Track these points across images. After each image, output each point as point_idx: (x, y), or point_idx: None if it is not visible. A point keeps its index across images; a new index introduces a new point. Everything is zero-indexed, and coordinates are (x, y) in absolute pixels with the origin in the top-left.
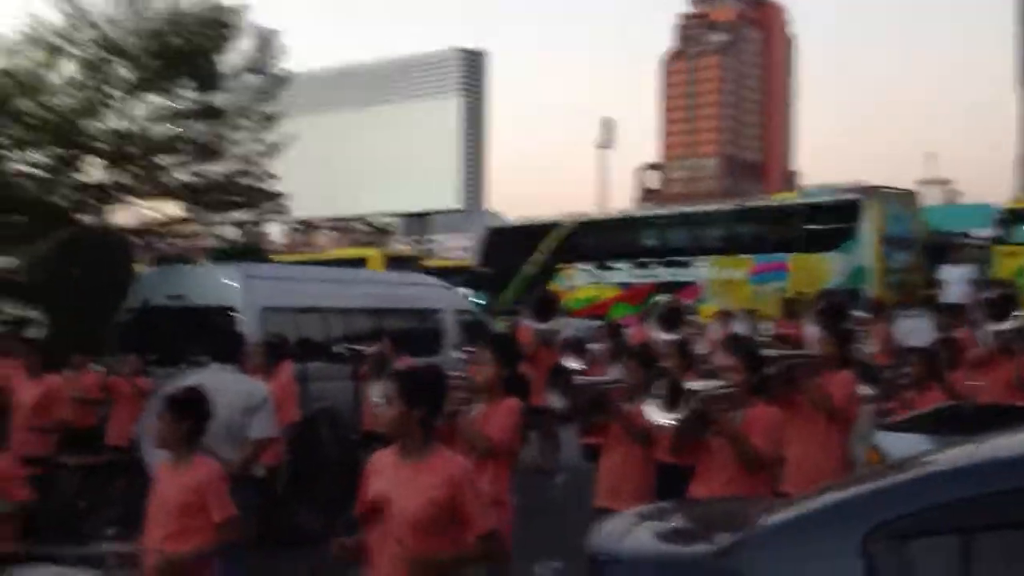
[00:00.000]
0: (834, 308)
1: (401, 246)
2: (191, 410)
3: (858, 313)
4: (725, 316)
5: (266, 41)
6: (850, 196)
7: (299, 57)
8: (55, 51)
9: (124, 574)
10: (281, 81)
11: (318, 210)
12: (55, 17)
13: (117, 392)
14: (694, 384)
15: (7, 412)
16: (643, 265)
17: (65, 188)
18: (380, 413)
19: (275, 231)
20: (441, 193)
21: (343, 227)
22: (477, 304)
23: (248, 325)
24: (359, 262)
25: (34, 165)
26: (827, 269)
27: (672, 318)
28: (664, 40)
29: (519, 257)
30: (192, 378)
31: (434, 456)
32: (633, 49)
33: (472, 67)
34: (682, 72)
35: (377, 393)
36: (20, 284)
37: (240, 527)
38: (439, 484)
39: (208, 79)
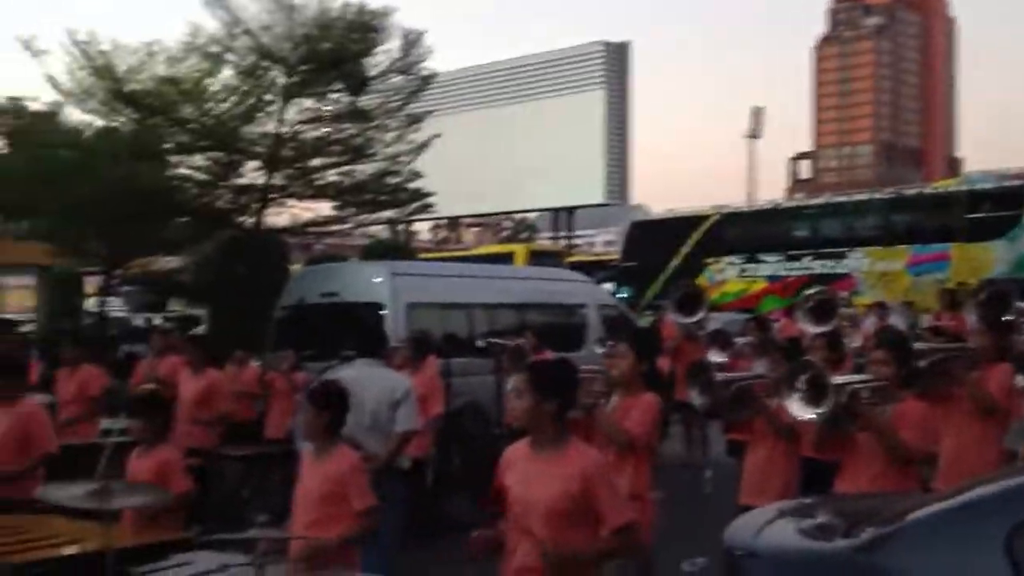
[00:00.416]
0: (995, 298)
1: (545, 242)
2: (331, 403)
3: (1022, 304)
4: (881, 308)
5: (412, 42)
6: (1016, 183)
7: (443, 56)
8: (214, 59)
9: (273, 559)
10: (427, 81)
11: (463, 207)
12: (213, 26)
13: (274, 387)
14: (839, 378)
15: (172, 405)
16: (794, 257)
17: (225, 191)
18: (512, 404)
19: (422, 229)
20: (586, 188)
21: (488, 224)
22: (621, 299)
23: (394, 321)
24: (504, 258)
25: (196, 169)
26: (991, 258)
27: (823, 310)
28: (816, 25)
29: (664, 251)
30: (339, 372)
31: (567, 449)
32: (783, 35)
33: (616, 60)
34: (834, 57)
35: (513, 385)
36: (186, 284)
37: (380, 517)
38: (572, 476)
39: (357, 82)
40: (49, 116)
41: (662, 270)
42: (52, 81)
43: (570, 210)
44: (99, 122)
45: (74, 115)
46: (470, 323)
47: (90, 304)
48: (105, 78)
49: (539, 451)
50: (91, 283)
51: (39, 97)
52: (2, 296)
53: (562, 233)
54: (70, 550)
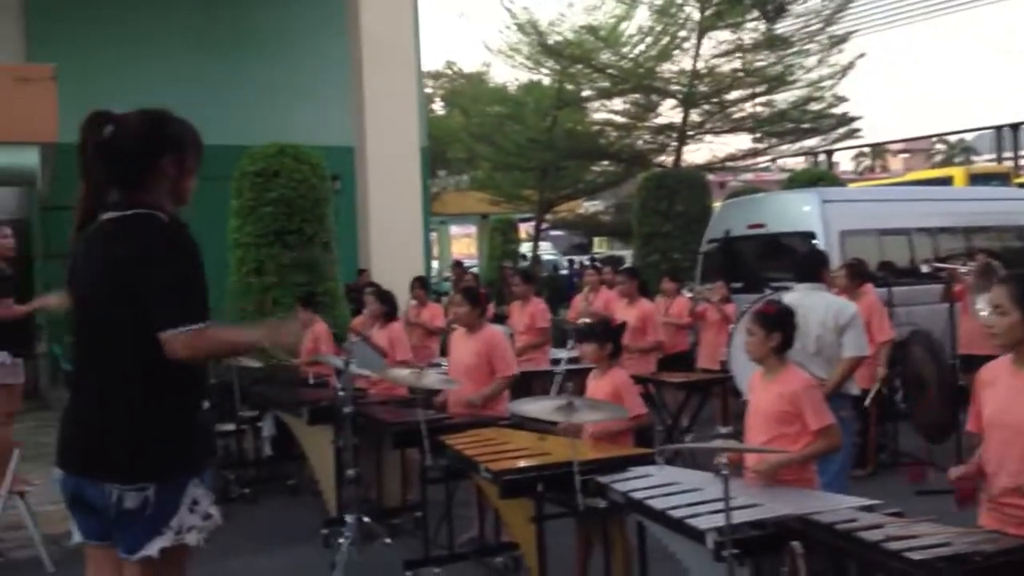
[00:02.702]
0: None
1: (988, 163)
2: (781, 324)
3: None
4: None
5: None
6: None
7: None
8: (629, 2)
9: (734, 472)
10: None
11: (889, 132)
12: None
13: (705, 318)
14: None
15: (621, 332)
16: None
17: (643, 132)
18: (990, 322)
19: (842, 159)
20: None
21: (917, 149)
22: None
23: (827, 249)
24: (940, 184)
25: (615, 113)
26: None
27: None
28: None
29: None
30: (785, 297)
31: None
32: None
33: None
34: None
35: (983, 304)
36: (608, 224)
37: (838, 436)
38: None
39: (773, 8)
40: (478, 76)
41: None
42: (484, 43)
43: (1015, 126)
44: (524, 77)
45: (500, 73)
46: (910, 249)
47: (524, 248)
48: (529, 34)
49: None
50: (524, 229)
51: (469, 61)
52: (450, 243)
53: (1006, 153)
54: (540, 460)
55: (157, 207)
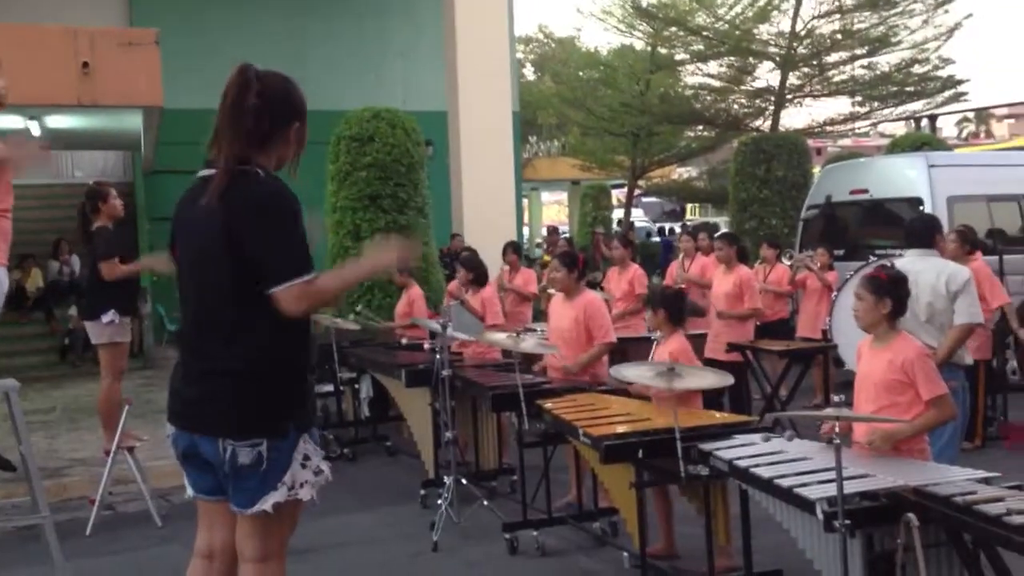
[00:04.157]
0: None
1: None
2: (892, 290)
3: None
4: None
5: None
6: None
7: None
8: None
9: (846, 440)
10: None
11: (994, 96)
12: None
13: (805, 286)
14: None
15: (683, 297)
16: None
17: (738, 96)
18: None
19: (945, 123)
20: None
21: (1022, 113)
22: None
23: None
24: None
25: (710, 77)
26: None
27: None
28: None
29: None
30: (896, 262)
31: None
32: None
33: None
34: None
35: None
36: (701, 190)
37: (952, 407)
38: None
39: None
40: (570, 41)
41: None
42: (576, 7)
43: None
44: (616, 41)
45: (592, 37)
46: (1021, 216)
47: (615, 215)
48: None
49: None
50: (615, 195)
51: (559, 25)
52: (540, 209)
53: None
54: (641, 426)
55: (259, 166)
